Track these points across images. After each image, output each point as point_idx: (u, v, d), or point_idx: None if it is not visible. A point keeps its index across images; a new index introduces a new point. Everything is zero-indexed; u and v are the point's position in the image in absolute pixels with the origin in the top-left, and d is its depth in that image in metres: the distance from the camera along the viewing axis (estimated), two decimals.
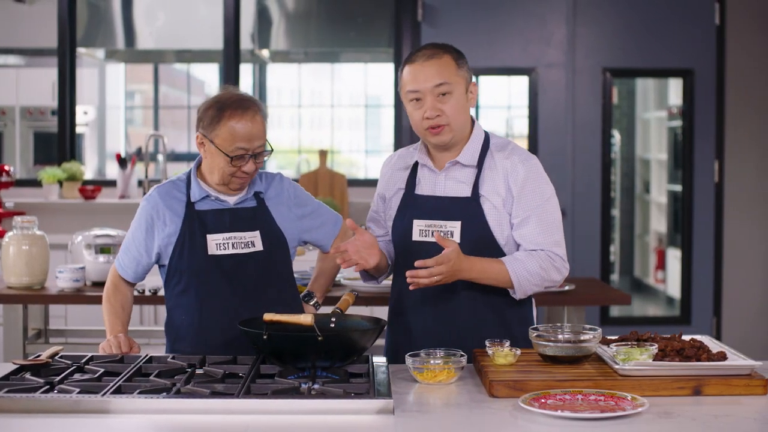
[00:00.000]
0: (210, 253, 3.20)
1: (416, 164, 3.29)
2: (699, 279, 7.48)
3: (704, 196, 7.44)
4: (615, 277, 8.60)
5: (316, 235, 3.42)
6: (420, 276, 2.94)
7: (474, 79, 3.25)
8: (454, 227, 3.14)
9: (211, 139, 3.15)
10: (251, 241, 3.24)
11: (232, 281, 3.21)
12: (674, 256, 8.68)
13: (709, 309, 7.46)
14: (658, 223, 9.42)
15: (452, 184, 3.20)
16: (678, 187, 8.42)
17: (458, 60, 3.15)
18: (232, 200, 3.27)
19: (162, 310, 6.50)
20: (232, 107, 3.14)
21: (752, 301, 7.47)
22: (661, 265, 9.19)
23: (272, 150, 3.22)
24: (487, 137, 3.26)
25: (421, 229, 3.19)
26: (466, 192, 3.18)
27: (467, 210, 3.15)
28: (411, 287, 3.00)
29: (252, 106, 3.16)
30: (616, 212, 7.60)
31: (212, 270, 3.20)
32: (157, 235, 3.24)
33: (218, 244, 3.21)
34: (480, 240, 3.11)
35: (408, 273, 2.96)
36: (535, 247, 3.14)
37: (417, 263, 2.95)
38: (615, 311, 7.73)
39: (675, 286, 8.55)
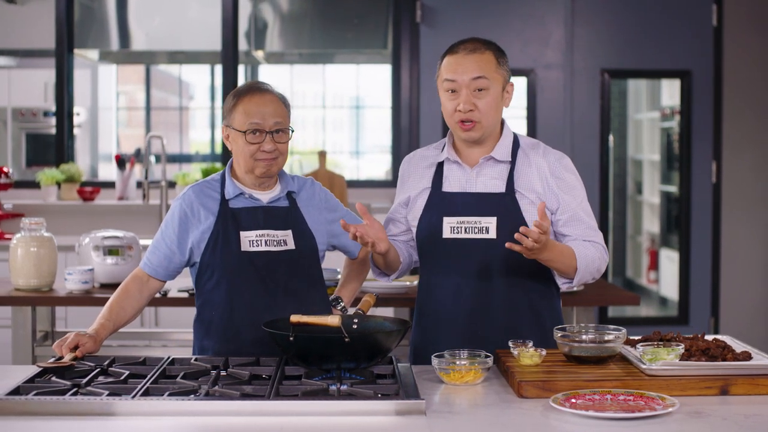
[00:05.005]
0: (243, 249, 3.22)
1: (441, 162, 3.29)
2: (697, 279, 7.51)
3: (702, 197, 7.47)
4: (608, 277, 8.62)
5: (344, 241, 3.45)
6: (529, 236, 2.90)
7: (512, 79, 3.27)
8: (490, 223, 3.16)
9: (231, 124, 3.23)
10: (283, 239, 3.26)
11: (264, 278, 3.23)
12: (667, 257, 8.72)
13: (707, 309, 7.49)
14: (651, 224, 9.45)
15: (485, 180, 3.22)
16: (671, 188, 8.46)
17: (499, 58, 3.18)
18: (265, 198, 3.29)
19: (163, 312, 6.51)
20: (245, 91, 3.25)
21: (750, 301, 7.51)
22: (654, 265, 9.22)
23: (293, 130, 3.28)
24: (515, 136, 3.29)
25: (452, 226, 3.19)
26: (500, 188, 3.20)
27: (503, 205, 3.16)
28: (507, 244, 2.95)
29: (265, 90, 3.26)
30: (608, 213, 7.64)
31: (245, 266, 3.22)
32: (191, 232, 3.25)
33: (251, 241, 3.23)
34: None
35: (522, 229, 2.89)
36: (586, 239, 3.19)
37: (536, 223, 2.89)
38: (611, 312, 7.75)
39: (668, 286, 8.58)
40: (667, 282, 8.66)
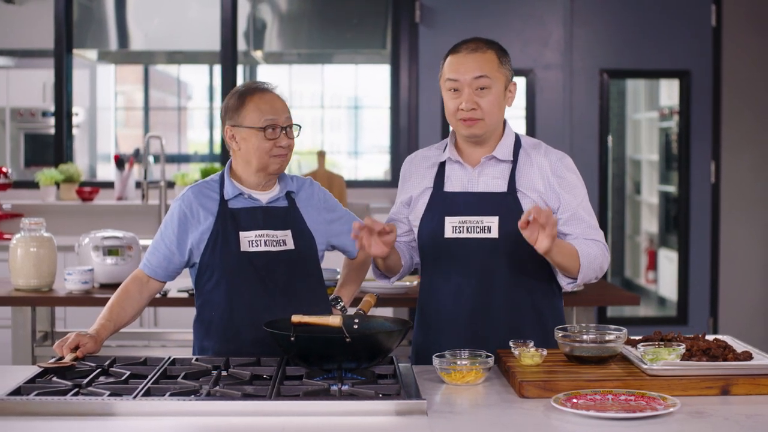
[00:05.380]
0: (242, 249, 3.22)
1: (443, 162, 3.30)
2: (695, 279, 7.52)
3: (701, 197, 7.47)
4: (607, 277, 8.62)
5: (343, 241, 3.46)
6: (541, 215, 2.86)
7: (514, 78, 3.26)
8: (492, 222, 3.16)
9: (240, 123, 3.23)
10: (283, 239, 3.26)
11: (264, 279, 3.23)
12: (665, 257, 8.72)
13: (706, 309, 7.50)
14: (649, 224, 9.46)
15: (487, 179, 3.22)
16: (670, 188, 8.47)
17: (501, 57, 3.18)
18: (264, 199, 3.30)
19: (162, 312, 6.50)
20: (251, 90, 3.26)
21: (749, 301, 7.52)
22: (652, 265, 9.23)
23: (300, 126, 3.30)
24: (517, 136, 3.29)
25: (454, 226, 3.19)
26: (502, 187, 3.20)
27: (504, 205, 3.16)
28: (526, 231, 2.91)
29: (269, 88, 3.29)
30: (607, 213, 7.64)
31: (244, 267, 3.22)
32: (190, 232, 3.25)
33: (251, 241, 3.23)
34: (518, 234, 3.11)
35: (533, 209, 2.86)
36: (587, 238, 3.18)
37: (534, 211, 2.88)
38: (610, 312, 7.75)
39: (666, 286, 8.59)
40: (666, 282, 8.67)
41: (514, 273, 3.18)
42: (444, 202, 3.24)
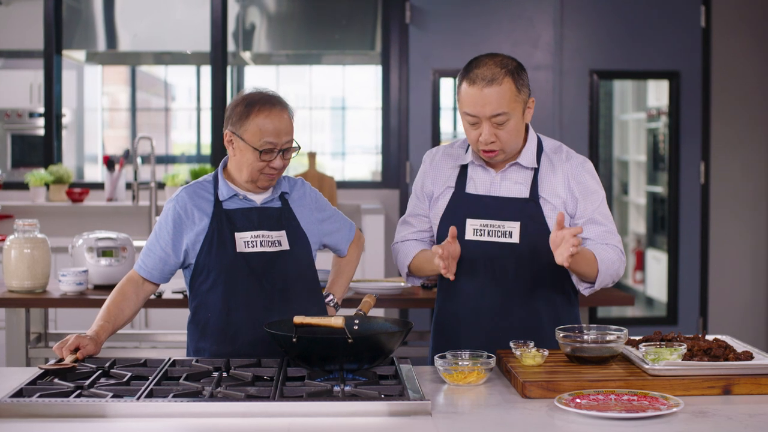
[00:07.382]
0: (238, 250, 3.22)
1: (466, 164, 3.30)
2: (685, 279, 7.54)
3: (690, 198, 7.50)
4: None
5: (334, 239, 3.49)
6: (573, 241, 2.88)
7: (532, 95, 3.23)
8: (513, 227, 3.17)
9: (240, 134, 3.18)
10: (278, 240, 3.27)
11: (261, 279, 3.23)
12: (653, 257, 8.75)
13: (696, 309, 7.52)
14: (637, 225, 9.49)
15: (509, 184, 3.23)
16: (657, 189, 8.49)
17: (518, 82, 3.12)
18: (259, 199, 3.30)
19: (154, 313, 6.48)
20: (260, 103, 3.18)
21: (738, 301, 7.54)
22: (640, 266, 9.25)
23: (300, 147, 3.26)
24: (539, 140, 3.30)
25: (475, 229, 3.20)
26: (524, 193, 3.21)
27: (526, 211, 3.18)
28: (571, 251, 2.90)
29: (279, 104, 3.21)
30: None
31: (240, 267, 3.22)
32: (185, 233, 3.25)
33: (246, 242, 3.23)
34: (539, 241, 3.13)
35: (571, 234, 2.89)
36: (603, 242, 3.19)
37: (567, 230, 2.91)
38: (600, 312, 7.77)
39: (654, 286, 8.61)
40: (653, 282, 8.69)
41: (534, 278, 3.21)
42: (466, 203, 3.25)
